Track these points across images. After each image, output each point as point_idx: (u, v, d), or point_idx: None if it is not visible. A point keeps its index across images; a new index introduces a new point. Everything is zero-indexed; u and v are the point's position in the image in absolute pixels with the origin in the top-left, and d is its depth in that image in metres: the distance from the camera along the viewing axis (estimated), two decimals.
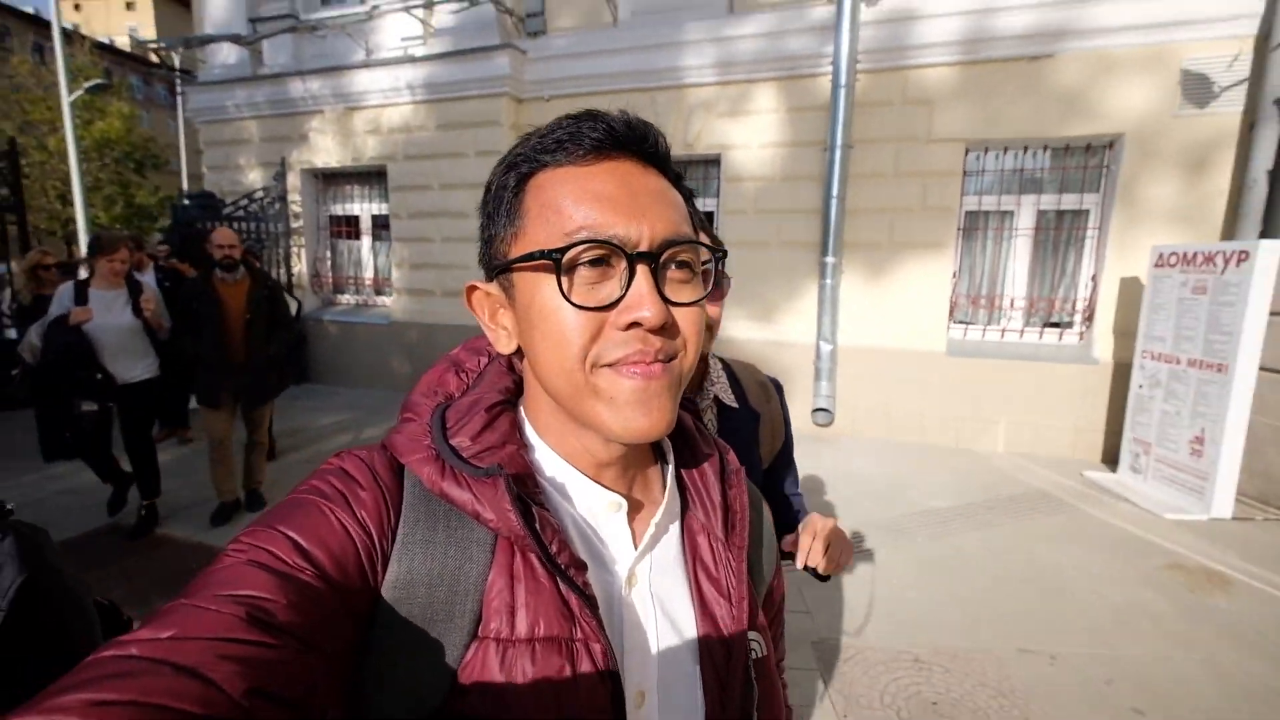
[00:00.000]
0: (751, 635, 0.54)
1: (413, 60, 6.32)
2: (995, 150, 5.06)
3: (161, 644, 0.32)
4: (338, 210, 7.45)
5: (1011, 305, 5.23)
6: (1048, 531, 3.54)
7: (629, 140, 0.46)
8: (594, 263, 0.44)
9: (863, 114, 5.03)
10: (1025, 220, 5.10)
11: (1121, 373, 4.68)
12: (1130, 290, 4.68)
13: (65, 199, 17.87)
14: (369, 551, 0.41)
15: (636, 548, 0.51)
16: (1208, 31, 4.35)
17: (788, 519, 1.18)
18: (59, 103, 16.36)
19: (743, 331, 5.70)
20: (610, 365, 0.44)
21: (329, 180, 7.39)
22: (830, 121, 5.00)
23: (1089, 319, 4.99)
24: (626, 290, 0.43)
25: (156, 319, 3.41)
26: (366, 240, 7.37)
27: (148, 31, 35.10)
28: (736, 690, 0.51)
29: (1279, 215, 4.07)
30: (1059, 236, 5.08)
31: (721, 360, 1.11)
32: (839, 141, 4.97)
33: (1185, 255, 4.03)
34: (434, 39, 6.33)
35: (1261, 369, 4.07)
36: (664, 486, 0.55)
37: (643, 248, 0.44)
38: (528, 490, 0.46)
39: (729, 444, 0.91)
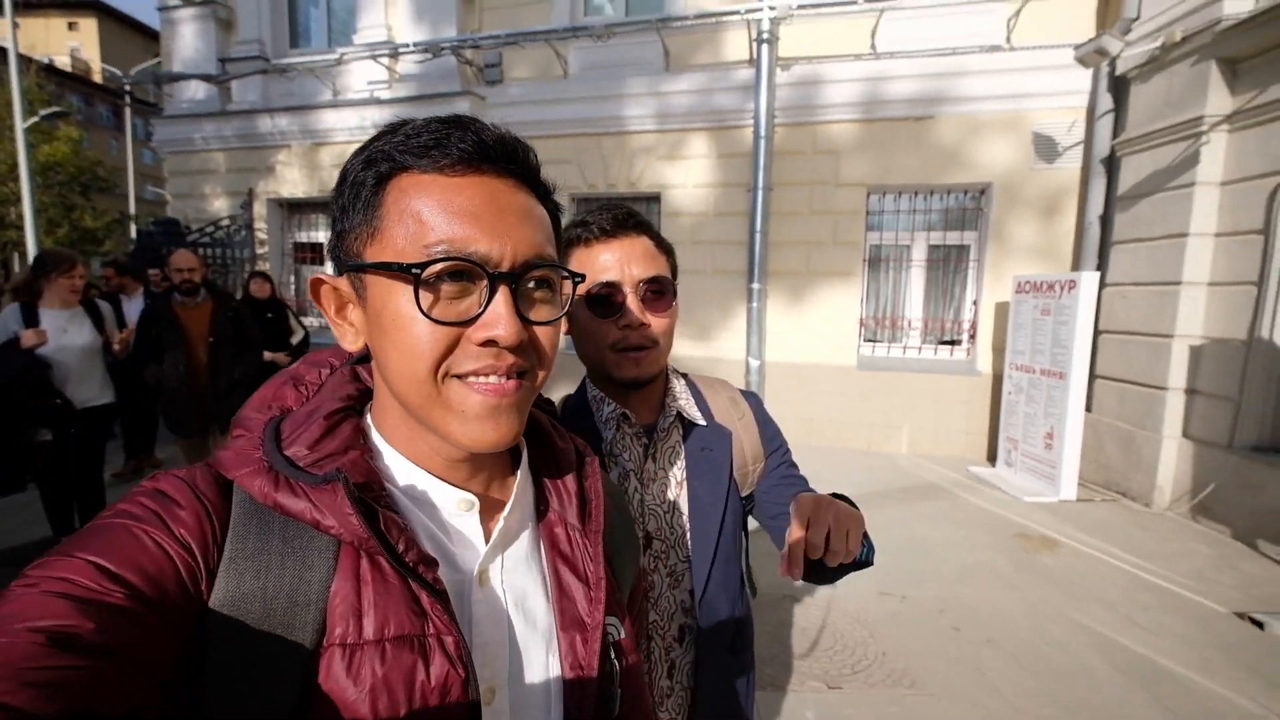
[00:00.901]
0: (609, 619, 0.54)
1: (379, 102, 6.84)
2: (892, 194, 5.92)
3: None
4: (302, 238, 7.81)
5: (909, 325, 6.06)
6: (926, 513, 4.23)
7: (499, 155, 0.46)
8: (454, 277, 0.44)
9: (780, 161, 5.82)
10: (919, 253, 5.97)
11: (999, 382, 5.52)
12: (1003, 313, 5.55)
13: (1, 221, 17.35)
14: (190, 569, 0.39)
15: (488, 544, 0.51)
16: (1051, 103, 5.32)
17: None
18: (1, 126, 16.03)
19: (682, 349, 6.33)
20: (460, 377, 0.45)
21: (294, 209, 7.76)
22: (753, 166, 5.74)
23: (973, 337, 5.85)
24: (485, 308, 0.44)
25: (125, 348, 3.35)
26: (329, 266, 7.72)
27: (90, 51, 34.33)
28: (594, 672, 0.51)
29: (1109, 250, 5.00)
30: (946, 267, 5.95)
31: (685, 376, 1.05)
32: (760, 184, 5.70)
33: (1035, 283, 4.90)
34: (399, 83, 6.89)
35: (1099, 376, 4.96)
36: (516, 481, 0.55)
37: (504, 267, 0.44)
38: (372, 494, 0.45)
39: (701, 463, 0.91)
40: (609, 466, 0.92)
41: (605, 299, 0.88)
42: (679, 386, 1.00)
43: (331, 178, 7.38)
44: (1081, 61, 4.56)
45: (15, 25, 10.43)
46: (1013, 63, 5.32)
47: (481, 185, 0.45)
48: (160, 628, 0.36)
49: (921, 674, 2.44)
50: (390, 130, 0.46)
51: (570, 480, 0.58)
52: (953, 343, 5.98)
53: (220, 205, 7.71)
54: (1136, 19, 4.67)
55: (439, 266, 0.43)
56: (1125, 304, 4.76)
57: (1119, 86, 4.91)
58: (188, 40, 7.60)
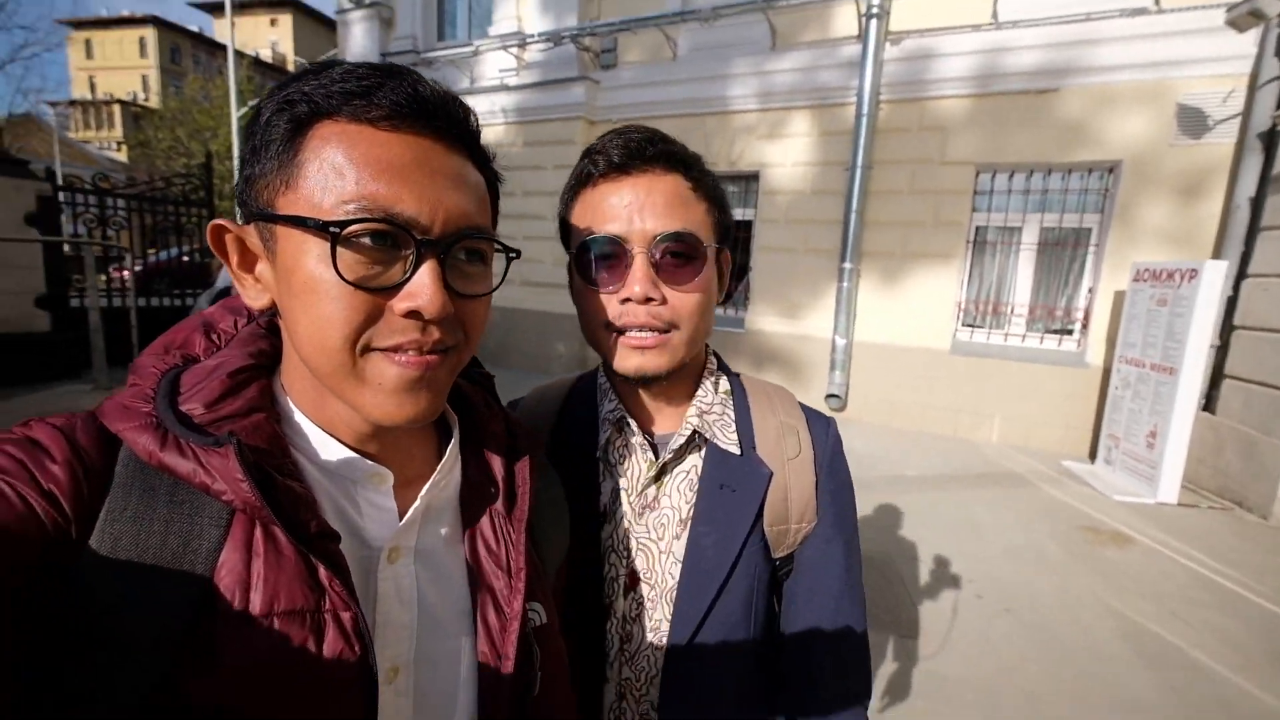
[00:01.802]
0: (531, 605, 0.53)
1: (507, 89, 7.62)
2: (1003, 172, 5.63)
3: None
4: None
5: (1013, 312, 5.78)
6: (992, 498, 4.21)
7: (435, 112, 0.42)
8: (376, 240, 0.40)
9: (883, 138, 5.75)
10: (1030, 236, 5.64)
11: (1109, 376, 5.16)
12: (1121, 302, 5.15)
13: (220, 194, 21.18)
14: (58, 528, 0.36)
15: (401, 520, 0.48)
16: (1204, 70, 4.77)
17: None
18: (219, 111, 19.48)
19: (770, 325, 6.55)
20: (381, 350, 0.42)
21: None
22: (853, 144, 5.76)
23: (1085, 327, 5.47)
24: (409, 277, 0.41)
25: None
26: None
27: (285, 44, 39.76)
28: (511, 661, 0.50)
29: (1256, 237, 4.47)
30: (1061, 252, 5.58)
31: (737, 379, 0.79)
32: (859, 162, 5.70)
33: (1155, 271, 4.53)
34: (525, 71, 7.60)
35: (1228, 376, 4.53)
36: (441, 458, 0.52)
37: (432, 235, 0.42)
38: (274, 461, 0.42)
39: (716, 503, 0.69)
40: (603, 478, 0.73)
41: (607, 258, 0.64)
42: (713, 393, 0.74)
43: None
44: (1234, 24, 4.09)
45: (232, 24, 12.62)
46: (1160, 26, 4.82)
47: (413, 143, 0.42)
48: (14, 586, 0.33)
49: (927, 625, 2.66)
50: (314, 71, 0.42)
51: (498, 463, 0.56)
52: (1063, 332, 5.63)
53: None
54: None
55: (360, 226, 0.39)
56: (1267, 297, 4.27)
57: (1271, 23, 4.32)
58: (357, 38, 8.89)
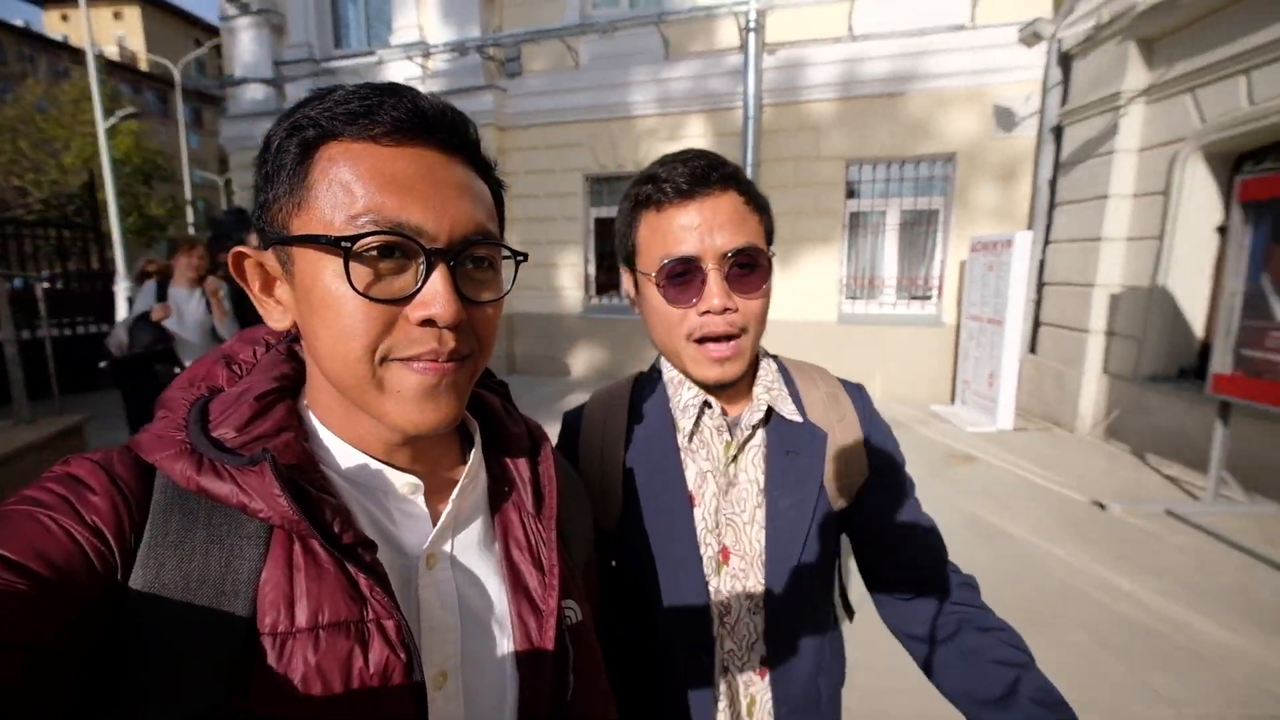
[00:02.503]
0: (566, 603, 0.55)
1: None
2: (868, 165, 6.58)
3: None
4: None
5: (884, 284, 6.78)
6: None
7: (436, 125, 0.44)
8: (386, 252, 0.42)
9: (768, 138, 6.53)
10: (893, 218, 6.65)
11: (959, 332, 6.25)
12: (964, 270, 6.24)
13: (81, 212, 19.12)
14: (103, 558, 0.37)
15: (435, 527, 0.50)
16: (1010, 77, 5.88)
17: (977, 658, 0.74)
18: (69, 119, 17.53)
19: None
20: (400, 360, 0.43)
21: None
22: (742, 144, 6.50)
23: (940, 292, 6.55)
24: (421, 285, 0.42)
25: (219, 304, 3.51)
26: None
27: (135, 40, 35.97)
28: (550, 657, 0.51)
29: (1054, 211, 5.63)
30: (917, 230, 6.63)
31: (777, 360, 0.87)
32: (749, 160, 6.46)
33: (985, 243, 5.58)
34: (430, 79, 7.76)
35: (1043, 324, 5.67)
36: (466, 465, 0.53)
37: (441, 243, 0.43)
38: (306, 477, 0.43)
39: (785, 468, 0.77)
40: (686, 465, 0.78)
41: (682, 277, 0.72)
42: (770, 373, 0.82)
43: None
44: (1023, 41, 5.13)
45: (89, 19, 11.56)
46: (976, 41, 5.88)
47: (416, 156, 0.43)
48: (68, 619, 0.34)
49: None
50: (318, 96, 0.44)
51: (523, 465, 0.57)
52: (924, 298, 6.70)
53: None
54: (1077, 2, 5.20)
55: (371, 240, 0.41)
56: (1062, 258, 5.43)
57: (1065, 62, 5.46)
58: (246, 46, 8.61)
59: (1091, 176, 5.07)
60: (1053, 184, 5.66)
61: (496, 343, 0.50)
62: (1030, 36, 5.02)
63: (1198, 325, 4.50)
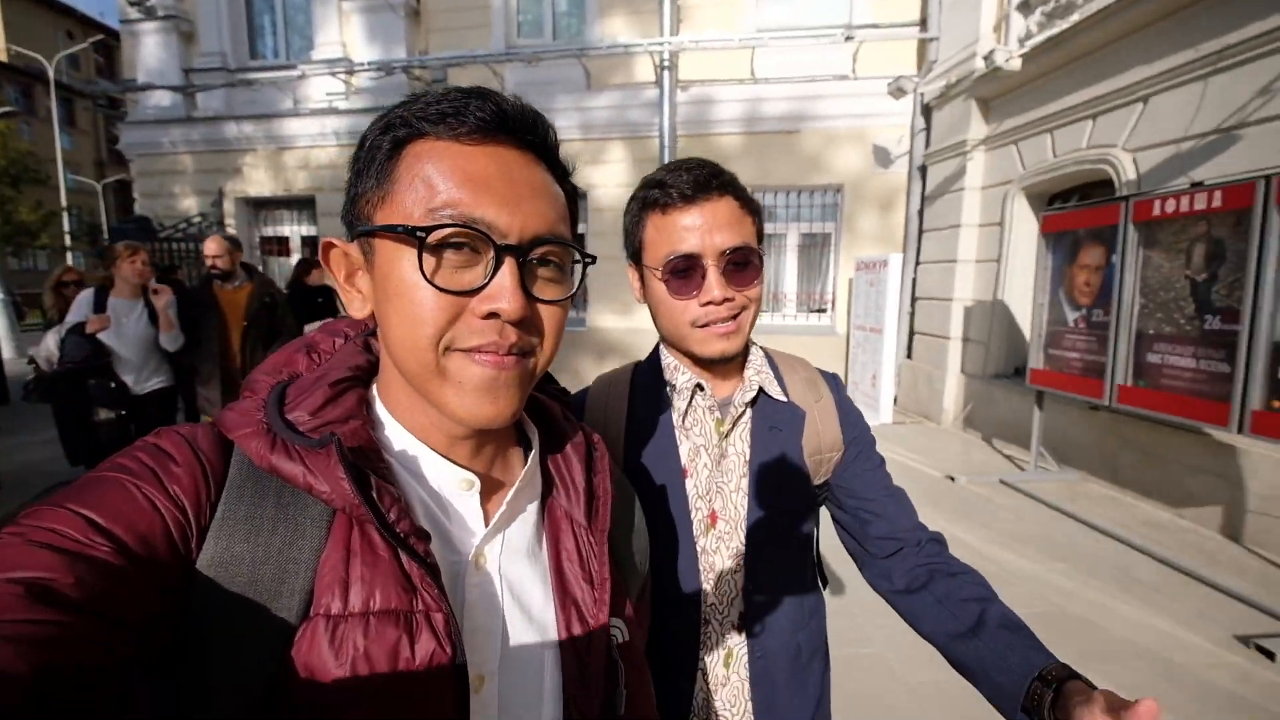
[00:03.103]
0: (614, 621, 0.54)
1: (337, 112, 7.81)
2: (770, 192, 7.38)
3: None
4: (268, 232, 8.72)
5: (786, 298, 7.59)
6: None
7: (517, 126, 0.45)
8: (459, 245, 0.43)
9: None
10: (792, 240, 7.47)
11: (850, 340, 7.11)
12: (851, 286, 7.13)
13: None
14: (181, 527, 0.39)
15: (487, 527, 0.50)
16: (886, 121, 6.84)
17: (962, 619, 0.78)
18: None
19: (608, 322, 7.68)
20: (462, 350, 0.44)
21: (260, 206, 8.65)
22: None
23: (833, 306, 7.42)
24: (490, 280, 0.43)
25: (166, 316, 3.31)
26: (295, 257, 8.68)
27: None
28: (598, 674, 0.50)
29: (922, 237, 6.60)
30: (814, 252, 7.49)
31: (765, 351, 0.95)
32: None
33: (867, 263, 6.45)
34: (354, 95, 7.86)
35: (918, 333, 6.59)
36: (523, 467, 0.54)
37: (512, 240, 0.43)
38: (369, 463, 0.44)
39: (769, 442, 0.86)
40: (680, 440, 0.87)
41: (684, 272, 0.80)
42: (759, 359, 0.92)
43: (295, 179, 8.33)
44: (891, 94, 6.06)
45: None
46: (857, 89, 6.81)
47: (496, 154, 0.44)
48: (145, 586, 0.36)
49: None
50: (411, 99, 0.46)
51: (578, 474, 0.57)
52: (820, 311, 7.55)
53: (189, 204, 8.52)
54: (935, 61, 6.22)
55: (444, 231, 0.42)
56: (929, 277, 6.38)
57: (927, 113, 6.47)
58: (152, 51, 8.29)
59: (948, 209, 6.05)
60: (920, 214, 6.64)
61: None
62: (896, 90, 5.95)
63: (1027, 331, 5.49)
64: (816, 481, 0.91)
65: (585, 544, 0.54)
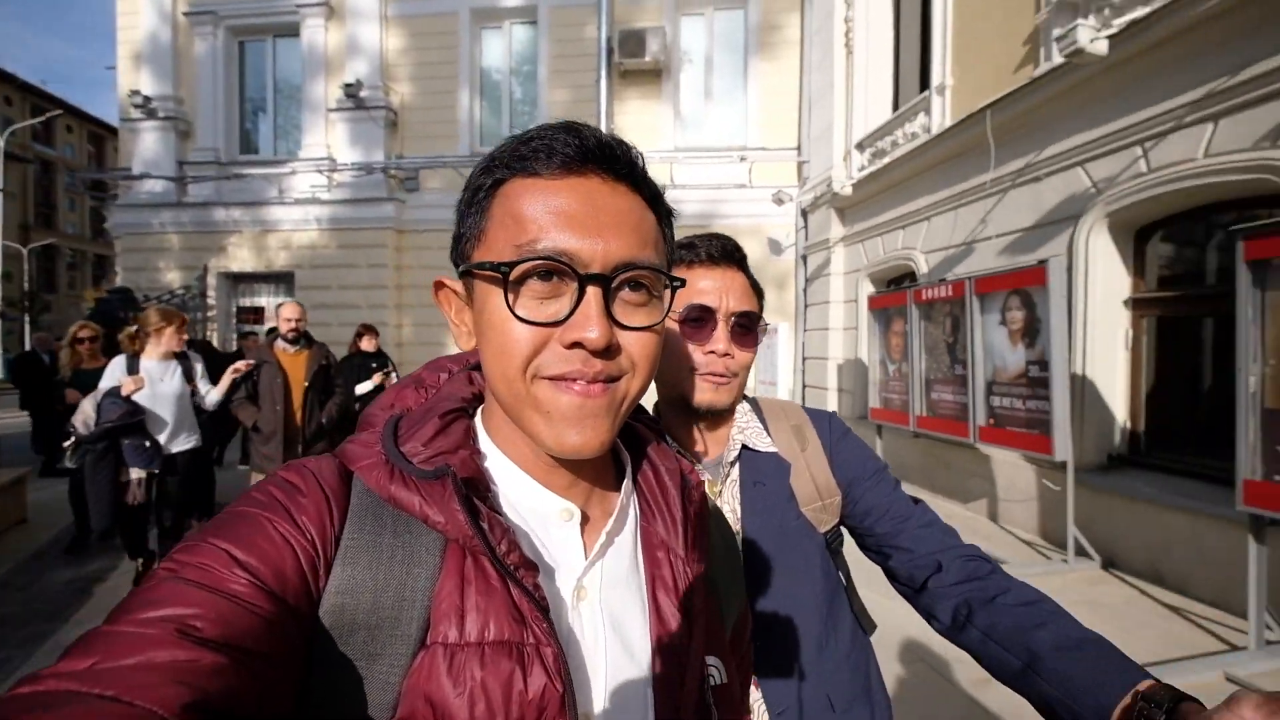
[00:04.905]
0: (710, 660, 0.53)
1: (320, 202, 9.06)
2: None
3: (79, 675, 0.31)
4: (245, 303, 9.67)
5: None
6: None
7: (600, 157, 0.46)
8: (544, 277, 0.44)
9: None
10: None
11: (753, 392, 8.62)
12: None
13: None
14: (310, 558, 0.41)
15: (587, 558, 0.49)
16: (777, 220, 8.69)
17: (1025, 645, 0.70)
18: None
19: None
20: (549, 379, 0.44)
21: (239, 280, 9.63)
22: None
23: None
24: (574, 309, 0.43)
25: (228, 381, 3.59)
26: (268, 325, 9.62)
27: None
28: (690, 714, 0.49)
29: (807, 310, 8.31)
30: None
31: (751, 401, 0.99)
32: None
33: (764, 327, 8.08)
34: (337, 188, 9.15)
35: (807, 385, 8.18)
36: (619, 497, 0.54)
37: (595, 268, 0.44)
38: (478, 493, 0.45)
39: (755, 498, 0.88)
40: None
41: (698, 321, 0.87)
42: (745, 415, 0.95)
43: (277, 258, 9.41)
44: (774, 201, 7.90)
45: None
46: (753, 196, 8.66)
47: (579, 186, 0.45)
48: (283, 619, 0.37)
49: None
50: (510, 140, 0.47)
51: (674, 503, 0.55)
52: None
53: (172, 277, 9.41)
54: (808, 178, 8.15)
55: (527, 265, 0.43)
56: (811, 341, 8.06)
57: (804, 215, 8.35)
58: (150, 145, 9.39)
59: (822, 288, 7.80)
60: (805, 291, 8.40)
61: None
62: (777, 199, 7.80)
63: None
64: (824, 530, 0.92)
65: (682, 575, 0.53)
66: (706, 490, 0.77)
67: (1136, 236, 4.18)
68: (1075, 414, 4.09)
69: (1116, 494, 3.94)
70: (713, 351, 0.87)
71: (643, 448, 0.58)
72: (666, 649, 0.50)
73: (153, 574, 0.37)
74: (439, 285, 0.52)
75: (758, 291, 0.95)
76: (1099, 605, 3.41)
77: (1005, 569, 0.84)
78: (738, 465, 0.92)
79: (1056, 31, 4.20)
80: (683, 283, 0.52)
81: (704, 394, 0.87)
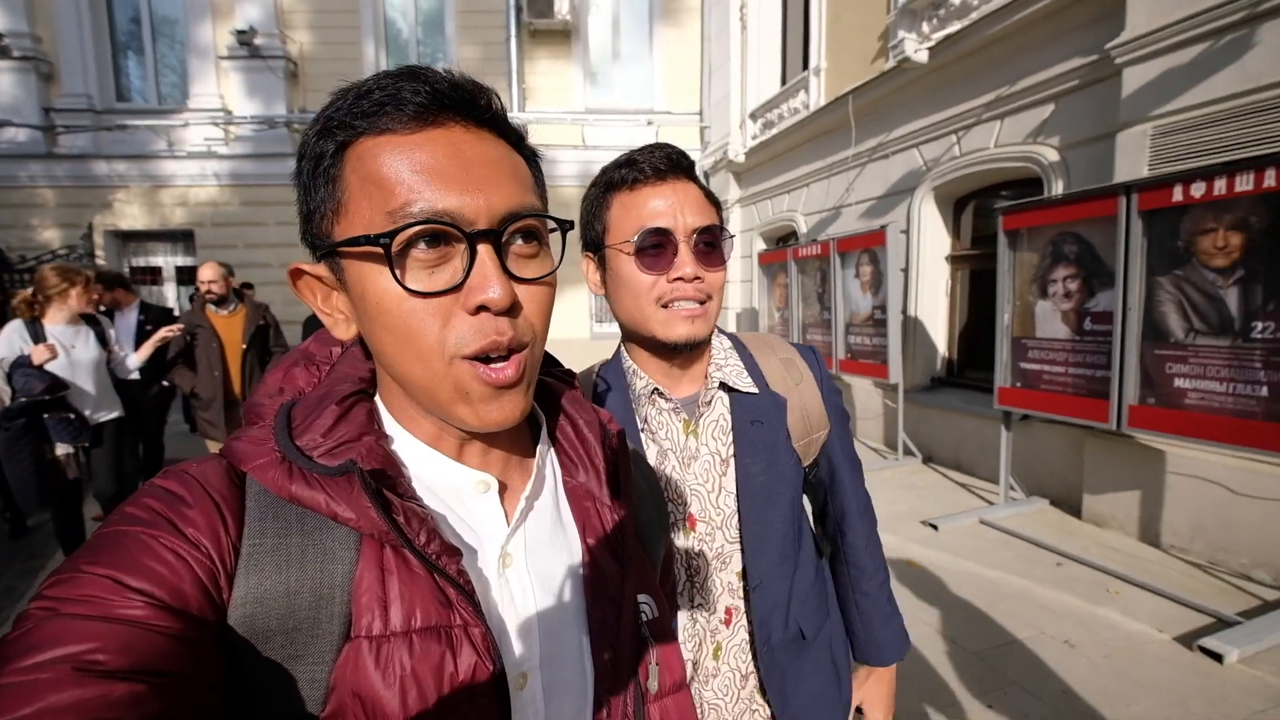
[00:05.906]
0: (642, 598, 0.54)
1: (217, 156, 8.70)
2: None
3: None
4: (140, 263, 9.20)
5: None
6: None
7: (457, 103, 0.42)
8: (430, 242, 0.41)
9: None
10: None
11: None
12: None
13: None
14: (209, 571, 0.38)
15: (509, 525, 0.49)
16: None
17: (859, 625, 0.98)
18: None
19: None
20: (468, 359, 0.42)
21: (131, 238, 9.11)
22: None
23: None
24: (469, 272, 0.41)
25: (153, 344, 3.42)
26: (170, 286, 9.25)
27: None
28: (627, 652, 0.50)
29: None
30: None
31: (732, 337, 0.94)
32: None
33: (729, 240, 8.93)
34: (235, 142, 8.79)
35: None
36: (534, 458, 0.53)
37: (481, 225, 0.41)
38: (388, 483, 0.43)
39: (749, 438, 0.85)
40: (646, 445, 0.86)
41: (656, 247, 0.78)
42: (722, 351, 0.90)
43: (173, 215, 8.97)
44: None
45: None
46: None
47: (441, 138, 0.41)
48: (194, 635, 0.35)
49: None
50: (342, 94, 0.43)
51: (596, 453, 0.55)
52: None
53: (50, 235, 8.76)
54: (709, 143, 8.89)
55: (409, 232, 0.40)
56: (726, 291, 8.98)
57: (706, 179, 9.13)
58: (5, 88, 8.50)
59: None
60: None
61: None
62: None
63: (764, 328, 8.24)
64: (806, 464, 0.93)
65: (611, 522, 0.54)
66: (681, 430, 0.83)
67: (955, 206, 5.29)
68: (907, 347, 5.24)
69: (934, 407, 5.15)
70: (679, 278, 0.78)
71: (557, 402, 0.57)
72: (602, 595, 0.51)
73: (25, 616, 0.33)
74: (296, 273, 0.47)
75: (713, 202, 0.85)
76: (915, 487, 4.59)
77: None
78: (726, 406, 0.88)
79: (895, 39, 5.12)
80: (571, 224, 0.50)
81: (678, 328, 0.80)
